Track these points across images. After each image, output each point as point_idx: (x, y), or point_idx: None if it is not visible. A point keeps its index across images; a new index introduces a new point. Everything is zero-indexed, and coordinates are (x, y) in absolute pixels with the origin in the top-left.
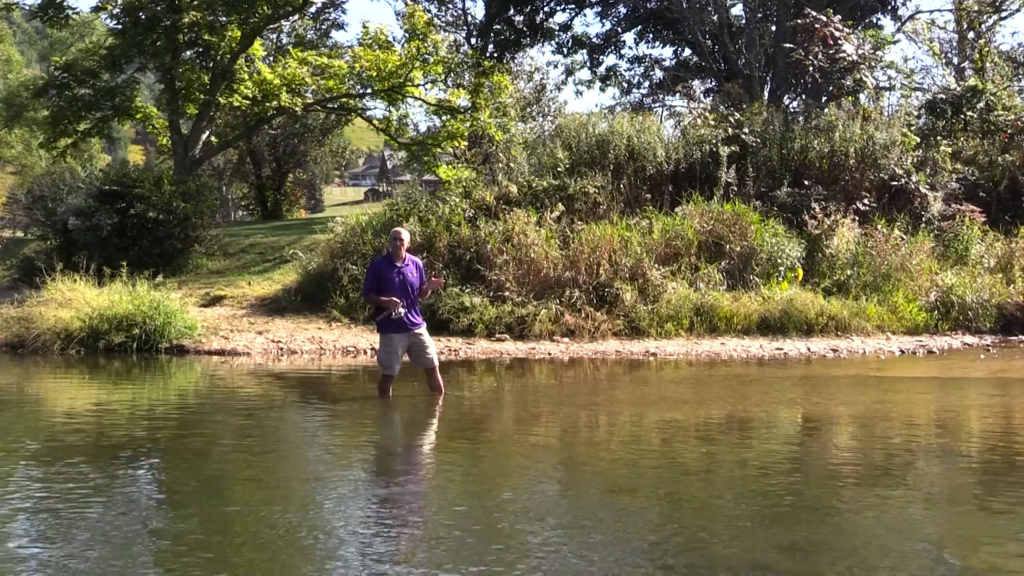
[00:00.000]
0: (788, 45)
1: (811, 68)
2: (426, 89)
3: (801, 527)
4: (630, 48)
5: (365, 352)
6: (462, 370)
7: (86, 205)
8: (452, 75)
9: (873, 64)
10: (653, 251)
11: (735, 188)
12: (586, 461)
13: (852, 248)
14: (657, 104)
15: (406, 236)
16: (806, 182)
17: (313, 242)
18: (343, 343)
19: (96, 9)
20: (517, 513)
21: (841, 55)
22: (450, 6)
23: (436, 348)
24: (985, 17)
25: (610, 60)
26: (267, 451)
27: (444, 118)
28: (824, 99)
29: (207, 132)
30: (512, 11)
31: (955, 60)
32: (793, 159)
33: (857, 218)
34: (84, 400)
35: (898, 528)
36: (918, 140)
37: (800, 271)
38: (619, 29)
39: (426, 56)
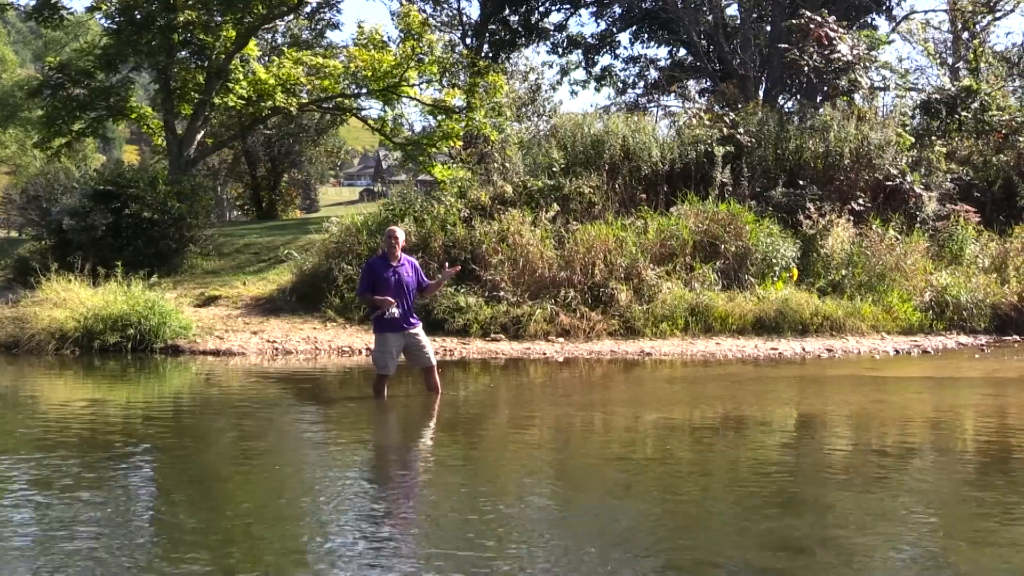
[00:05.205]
0: (783, 45)
1: (806, 68)
2: (421, 89)
3: (797, 527)
4: (625, 48)
5: (360, 352)
6: (457, 370)
7: (81, 205)
8: (447, 75)
9: (868, 64)
10: (648, 251)
11: (730, 188)
12: (581, 461)
13: (847, 248)
14: (652, 104)
15: (401, 235)
16: (801, 182)
17: (308, 242)
18: (338, 343)
19: (91, 9)
20: (512, 513)
21: (836, 55)
22: (445, 6)
23: (433, 348)
24: (979, 17)
25: (605, 60)
26: (261, 451)
27: (439, 118)
28: (819, 99)
29: (202, 132)
30: (507, 11)
31: (949, 60)
32: (788, 159)
33: (852, 218)
34: (78, 400)
35: (895, 527)
36: (913, 140)
37: (795, 271)
38: (614, 29)
39: (421, 56)
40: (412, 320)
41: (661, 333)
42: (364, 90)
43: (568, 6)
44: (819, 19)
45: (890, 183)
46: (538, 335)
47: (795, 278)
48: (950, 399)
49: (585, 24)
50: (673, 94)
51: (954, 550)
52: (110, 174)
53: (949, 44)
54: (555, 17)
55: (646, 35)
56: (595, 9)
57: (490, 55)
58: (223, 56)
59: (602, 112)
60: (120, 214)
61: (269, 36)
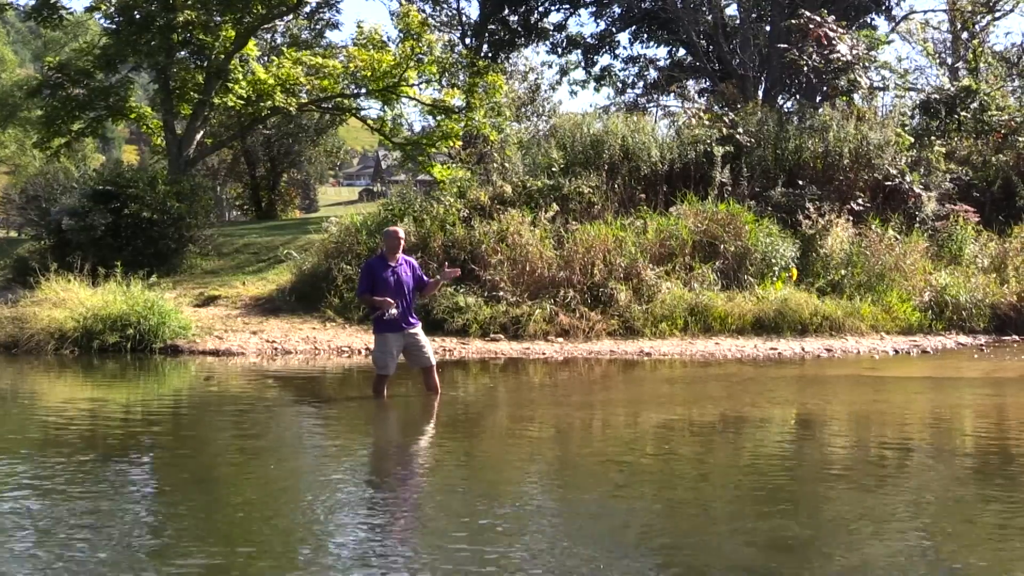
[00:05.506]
0: (782, 45)
1: (805, 68)
2: (420, 89)
3: (796, 527)
4: (624, 48)
5: (360, 352)
6: (457, 370)
7: (80, 205)
8: (446, 75)
9: (867, 64)
10: (648, 251)
11: (729, 188)
12: (580, 461)
13: (846, 248)
14: (652, 104)
15: (402, 235)
16: (800, 182)
17: (308, 242)
18: (337, 343)
19: (90, 9)
20: (510, 513)
21: (835, 55)
22: (444, 6)
23: (432, 348)
24: (979, 17)
25: (605, 60)
26: (261, 451)
27: (439, 118)
28: (818, 99)
29: (201, 132)
30: (506, 11)
31: (949, 60)
32: (787, 159)
33: (851, 218)
34: (77, 400)
35: (894, 527)
36: (912, 140)
37: (794, 271)
38: (613, 29)
39: (420, 56)
40: (411, 320)
41: (660, 333)
42: (363, 90)
43: (567, 6)
44: (818, 19)
45: (889, 183)
46: (537, 335)
47: (794, 278)
48: (949, 399)
49: (584, 24)
50: (672, 94)
51: (953, 549)
52: (109, 174)
53: (948, 44)
54: (554, 17)
55: (645, 35)
56: (594, 9)
57: (489, 55)
58: (222, 56)
59: (601, 112)
60: (119, 214)
61: (268, 36)
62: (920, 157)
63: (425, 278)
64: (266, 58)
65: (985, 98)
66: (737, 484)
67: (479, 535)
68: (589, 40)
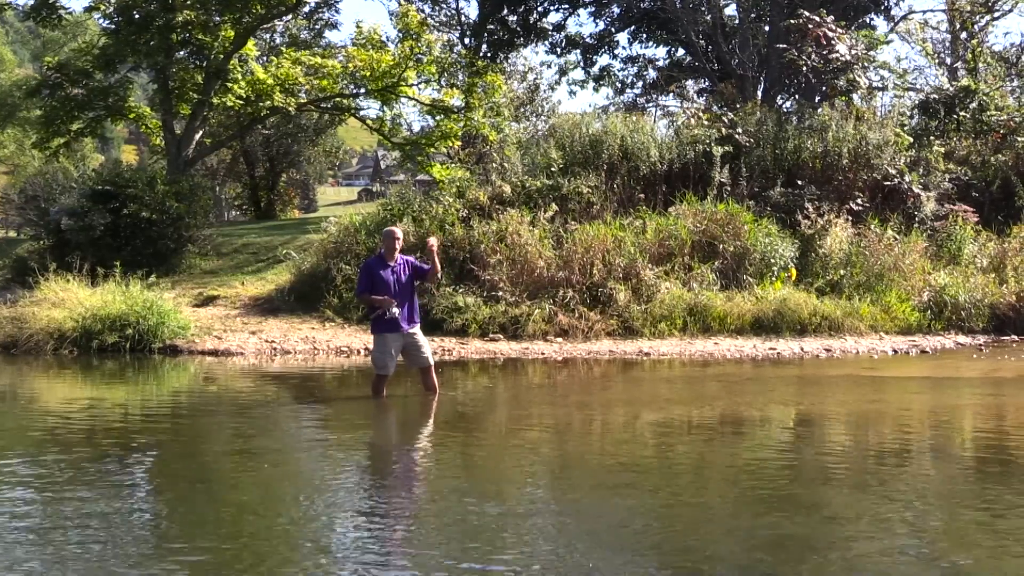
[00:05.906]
0: (781, 45)
1: (804, 68)
2: (420, 89)
3: (795, 527)
4: (624, 48)
5: (359, 352)
6: (456, 370)
7: (79, 205)
8: (446, 75)
9: (866, 64)
10: (647, 251)
11: (728, 188)
12: (579, 460)
13: (845, 248)
14: (651, 104)
15: (401, 235)
16: (799, 182)
17: (307, 242)
18: (336, 343)
19: (89, 9)
20: (510, 512)
21: (834, 55)
22: (443, 6)
23: (431, 348)
24: (978, 17)
25: (604, 60)
26: (260, 451)
27: (438, 118)
28: (817, 99)
29: (200, 132)
30: (505, 11)
31: (948, 60)
32: (786, 159)
33: (850, 218)
34: (76, 400)
35: (892, 527)
36: (911, 140)
37: (793, 271)
38: (613, 29)
39: (419, 56)
40: (412, 320)
41: (659, 333)
42: (362, 90)
43: (566, 6)
44: (817, 19)
45: (888, 183)
46: (536, 335)
47: (793, 278)
48: (948, 399)
49: (584, 24)
50: (671, 94)
51: (952, 549)
52: (108, 174)
53: (947, 44)
54: (553, 17)
55: (644, 35)
56: (594, 9)
57: (488, 55)
58: (221, 56)
59: (600, 112)
60: (118, 214)
61: (267, 36)
62: (919, 157)
63: (424, 267)
64: (265, 58)
65: (984, 98)
66: (736, 484)
67: (477, 535)
68: (588, 40)
